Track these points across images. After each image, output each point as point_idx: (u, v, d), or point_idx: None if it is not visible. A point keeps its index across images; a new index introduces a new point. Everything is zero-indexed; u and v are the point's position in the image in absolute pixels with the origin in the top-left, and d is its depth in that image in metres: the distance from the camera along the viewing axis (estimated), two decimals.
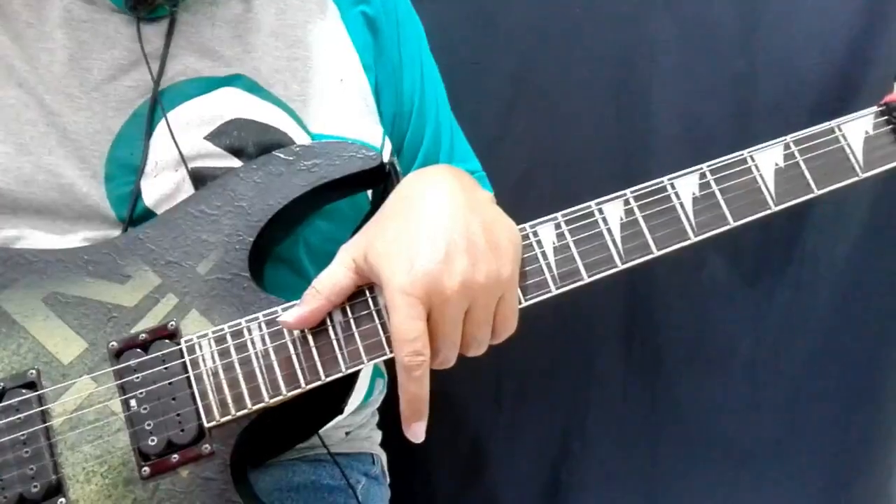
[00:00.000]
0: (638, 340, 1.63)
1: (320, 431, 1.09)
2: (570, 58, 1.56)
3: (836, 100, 1.47)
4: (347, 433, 1.27)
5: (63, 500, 0.87)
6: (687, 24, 1.53)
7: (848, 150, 0.99)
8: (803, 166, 0.98)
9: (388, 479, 1.38)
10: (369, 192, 1.12)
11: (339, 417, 1.14)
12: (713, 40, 1.52)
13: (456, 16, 1.55)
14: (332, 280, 0.90)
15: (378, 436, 1.37)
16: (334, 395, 0.99)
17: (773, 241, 1.56)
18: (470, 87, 1.53)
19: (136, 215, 1.00)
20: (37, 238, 0.98)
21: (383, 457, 1.37)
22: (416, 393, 0.85)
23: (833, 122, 0.99)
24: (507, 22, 1.57)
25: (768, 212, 0.97)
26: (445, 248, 0.85)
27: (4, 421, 0.87)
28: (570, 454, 1.67)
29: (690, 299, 1.60)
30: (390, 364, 1.22)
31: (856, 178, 0.99)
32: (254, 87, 1.05)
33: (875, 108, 1.01)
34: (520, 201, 0.94)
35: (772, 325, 1.59)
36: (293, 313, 0.90)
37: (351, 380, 0.96)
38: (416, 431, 0.88)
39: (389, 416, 1.36)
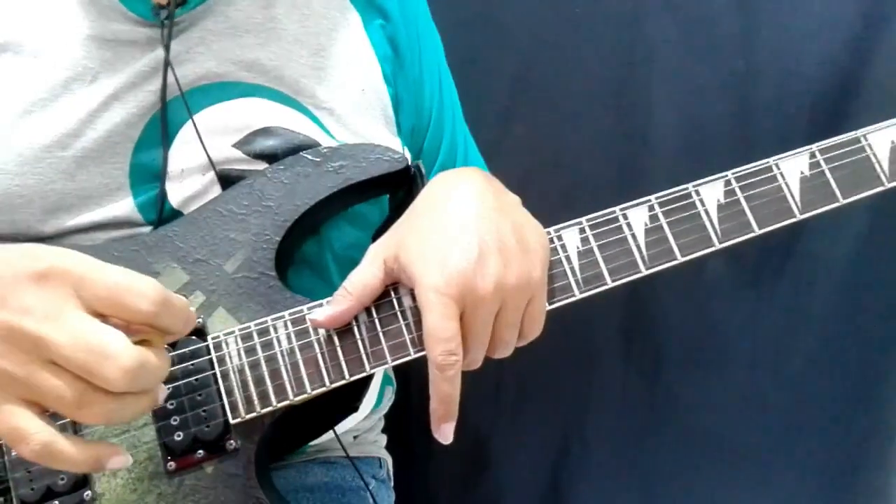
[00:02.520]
0: (638, 340, 1.63)
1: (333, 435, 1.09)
2: (570, 58, 1.57)
3: (836, 100, 1.48)
4: (355, 437, 1.26)
5: (89, 492, 0.87)
6: (687, 24, 1.53)
7: (874, 160, 0.98)
8: (829, 175, 0.97)
9: (392, 482, 1.37)
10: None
11: (350, 419, 1.14)
12: (713, 40, 1.53)
13: (456, 16, 1.55)
14: (363, 281, 0.90)
15: (384, 440, 1.36)
16: (351, 394, 0.98)
17: (773, 241, 1.55)
18: (470, 87, 1.52)
19: (163, 216, 0.99)
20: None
21: (389, 460, 1.37)
22: (448, 393, 0.85)
23: (859, 132, 0.99)
24: (507, 22, 1.57)
25: (793, 220, 0.97)
26: (478, 248, 0.85)
27: None
28: (570, 454, 1.67)
29: (690, 299, 1.61)
30: (399, 372, 1.22)
31: (882, 188, 0.98)
32: (279, 96, 1.04)
33: None
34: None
35: (772, 325, 1.59)
36: (323, 312, 0.90)
37: (367, 379, 0.95)
38: (446, 432, 0.88)
39: (392, 420, 1.36)
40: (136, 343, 0.70)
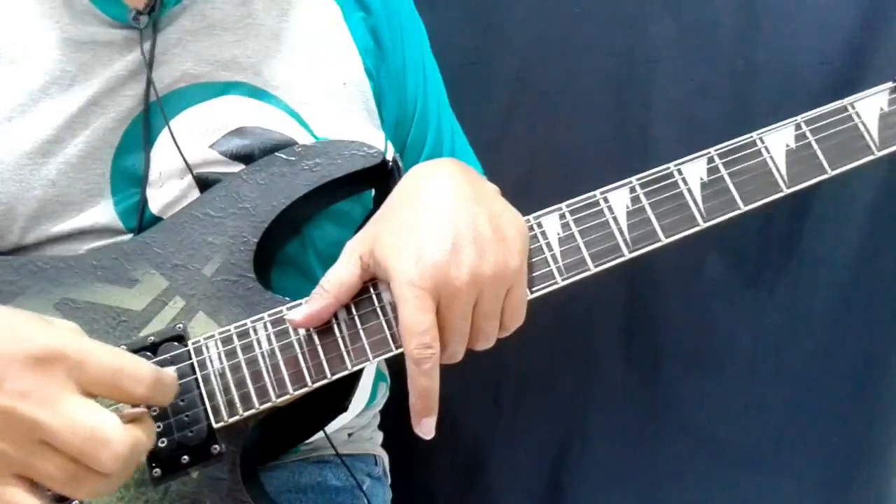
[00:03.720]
0: (638, 340, 1.63)
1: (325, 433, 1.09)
2: (570, 58, 1.56)
3: (836, 100, 1.47)
4: (350, 434, 1.26)
5: (76, 501, 0.87)
6: (687, 24, 1.52)
7: (862, 128, 0.96)
8: (816, 146, 0.95)
9: (389, 480, 1.38)
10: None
11: (343, 416, 1.14)
12: (713, 40, 1.52)
13: (456, 16, 1.55)
14: (340, 278, 0.90)
15: (379, 437, 1.37)
16: (338, 393, 0.99)
17: (773, 241, 1.55)
18: (470, 87, 1.53)
19: (144, 223, 1.00)
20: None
21: (385, 458, 1.37)
22: (426, 387, 0.85)
23: (846, 100, 0.97)
24: (507, 22, 1.57)
25: (780, 195, 0.95)
26: (453, 240, 0.85)
27: None
28: (570, 454, 1.67)
29: (690, 299, 1.60)
30: (393, 367, 1.22)
31: (871, 157, 0.96)
32: (257, 93, 1.04)
33: (890, 84, 0.98)
34: (520, 202, 0.94)
35: (772, 325, 1.58)
36: (301, 311, 0.90)
37: (354, 377, 0.96)
38: (427, 427, 0.88)
39: (389, 417, 1.36)
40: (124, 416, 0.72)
